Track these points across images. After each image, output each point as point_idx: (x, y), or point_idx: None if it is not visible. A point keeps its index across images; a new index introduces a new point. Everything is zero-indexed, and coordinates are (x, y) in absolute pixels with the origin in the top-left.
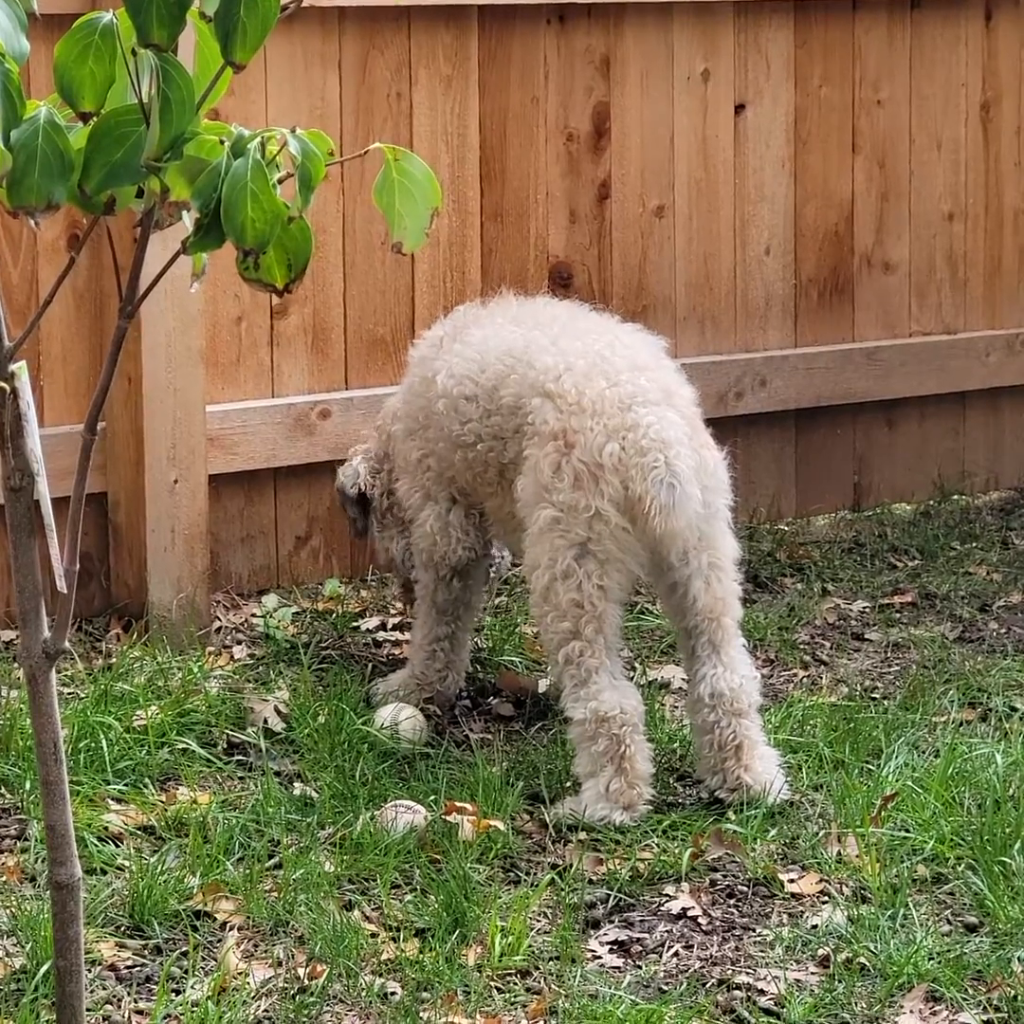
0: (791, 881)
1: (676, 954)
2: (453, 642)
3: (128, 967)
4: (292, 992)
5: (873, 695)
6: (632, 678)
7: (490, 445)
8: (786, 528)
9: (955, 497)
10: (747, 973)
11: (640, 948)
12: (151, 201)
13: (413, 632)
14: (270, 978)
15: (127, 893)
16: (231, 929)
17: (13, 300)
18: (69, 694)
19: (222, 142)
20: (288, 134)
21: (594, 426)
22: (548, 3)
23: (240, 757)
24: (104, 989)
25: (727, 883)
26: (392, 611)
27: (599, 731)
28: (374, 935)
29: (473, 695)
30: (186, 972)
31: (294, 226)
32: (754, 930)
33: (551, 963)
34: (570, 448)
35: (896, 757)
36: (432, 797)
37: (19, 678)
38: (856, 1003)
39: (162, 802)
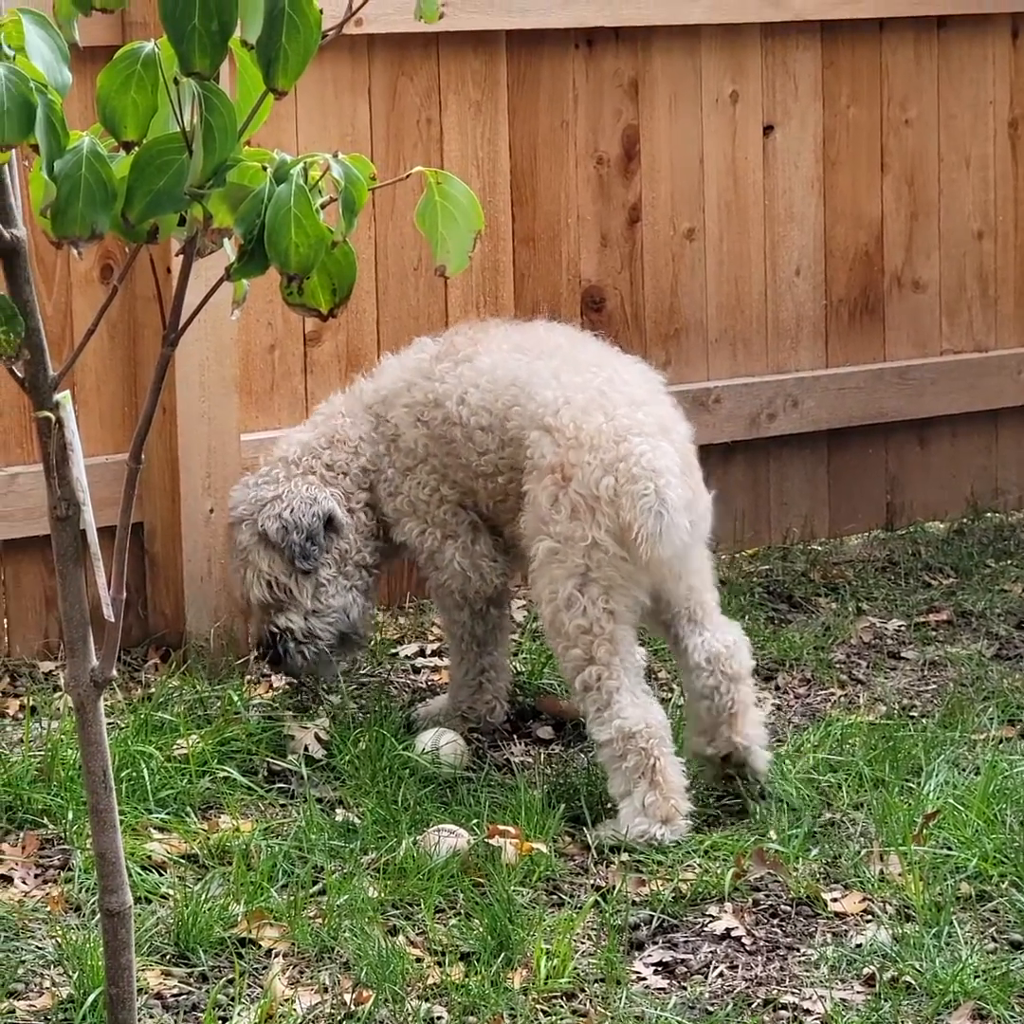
0: (834, 900)
1: (721, 974)
2: (497, 669)
3: (175, 995)
4: (339, 1018)
5: (911, 713)
6: (670, 700)
7: (510, 476)
8: (820, 548)
9: (988, 514)
10: (793, 993)
11: (685, 969)
12: (193, 229)
13: (452, 669)
14: (316, 1004)
15: (172, 921)
16: (276, 956)
17: (48, 332)
18: (109, 724)
19: (265, 168)
20: (331, 159)
21: (591, 460)
22: (576, 27)
23: (281, 785)
24: (151, 1018)
25: (770, 903)
26: (430, 637)
27: (627, 748)
28: (419, 960)
29: (513, 718)
30: (233, 999)
31: (338, 251)
32: (799, 950)
33: (596, 985)
34: (567, 481)
35: (936, 775)
36: (474, 821)
37: (59, 709)
38: (903, 1022)
39: (205, 830)
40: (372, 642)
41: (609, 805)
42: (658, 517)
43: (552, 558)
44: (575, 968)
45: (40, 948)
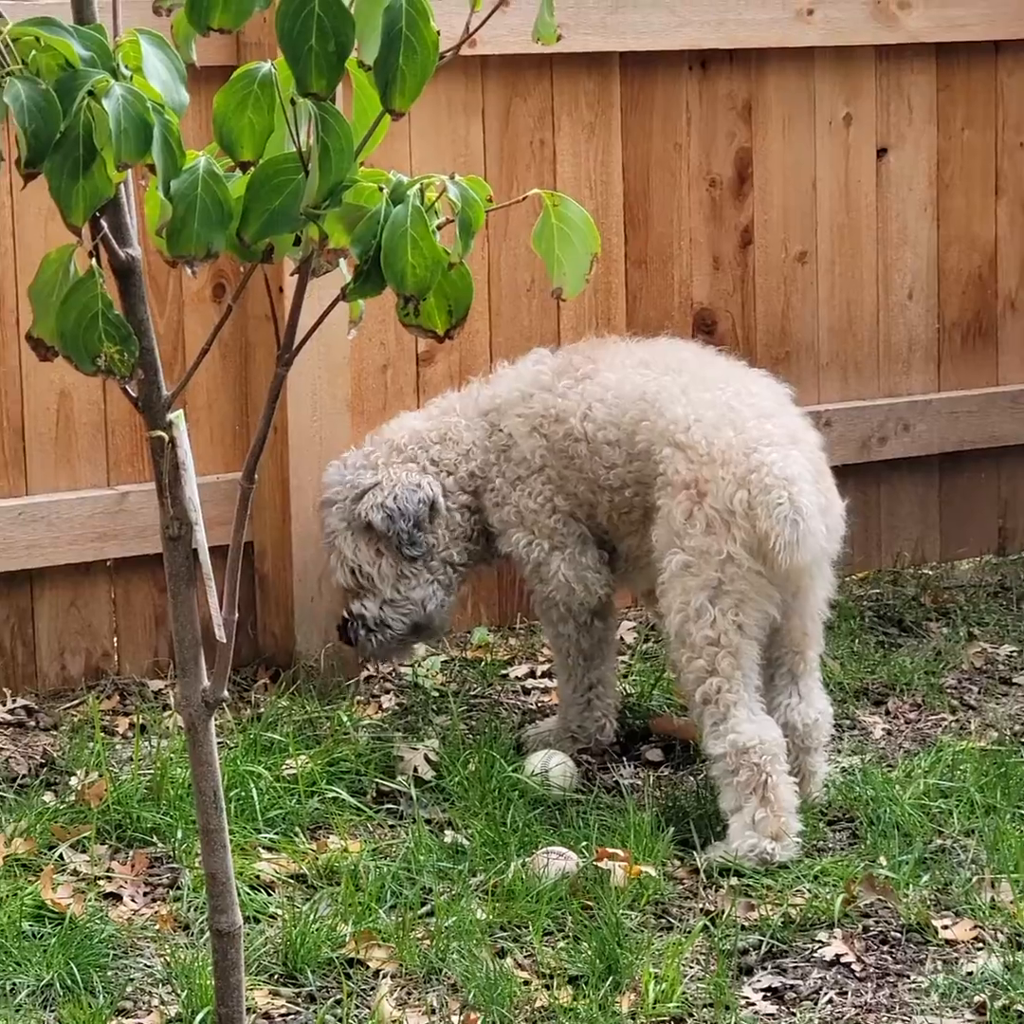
0: (945, 927)
1: (830, 1001)
2: (604, 685)
3: (283, 1015)
4: None
5: (1023, 739)
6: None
7: (636, 489)
8: (930, 572)
9: None
10: (902, 1020)
11: (794, 995)
12: (309, 249)
13: (560, 687)
14: None
15: (280, 941)
16: (384, 977)
17: (160, 351)
18: (219, 744)
19: (381, 189)
20: (447, 180)
21: (724, 475)
22: (690, 49)
23: (390, 805)
24: None
25: (880, 929)
26: (540, 658)
27: (740, 763)
28: (527, 982)
29: (622, 740)
30: (340, 1020)
31: (454, 272)
32: (908, 977)
33: (705, 1010)
34: (702, 497)
35: None
36: (583, 843)
37: (168, 728)
38: None
39: (313, 850)
40: (450, 632)
41: (719, 828)
42: (794, 525)
43: (685, 571)
44: (684, 993)
45: (149, 966)
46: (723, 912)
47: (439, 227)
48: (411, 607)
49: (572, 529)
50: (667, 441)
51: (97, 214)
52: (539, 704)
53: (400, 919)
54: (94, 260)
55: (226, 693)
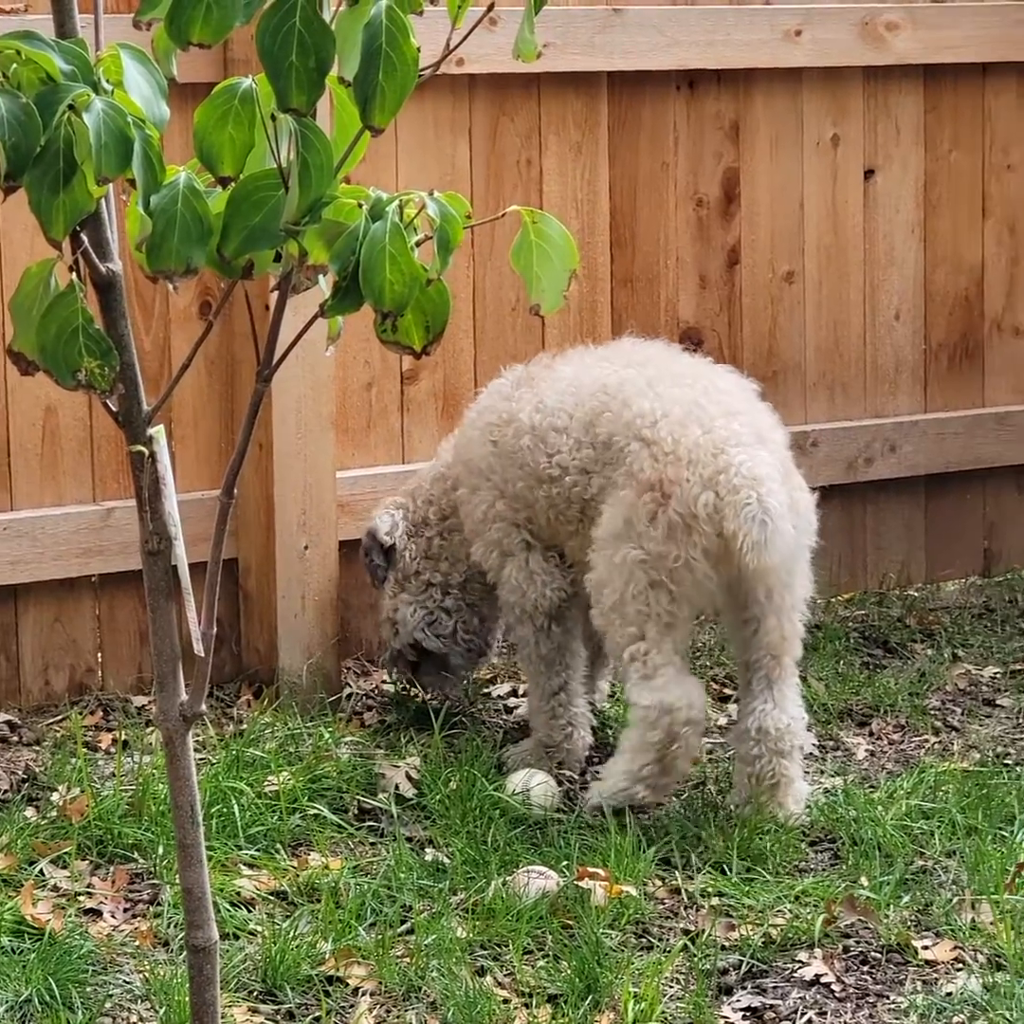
0: (925, 948)
1: (809, 1021)
2: (568, 693)
3: None
4: None
5: (1005, 761)
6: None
7: (576, 479)
8: (916, 594)
9: None
10: None
11: (773, 1015)
12: (289, 265)
13: (528, 698)
14: None
15: (260, 958)
16: (363, 994)
17: (146, 367)
18: (201, 759)
19: (360, 205)
20: (426, 197)
21: (690, 476)
22: (678, 69)
23: (371, 823)
24: None
25: (860, 950)
26: (523, 677)
27: (660, 721)
28: (506, 1001)
29: (603, 760)
30: None
31: (432, 288)
32: (888, 997)
33: None
34: (667, 499)
35: None
36: (564, 863)
37: (151, 744)
38: None
39: (294, 867)
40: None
41: (701, 849)
42: (763, 525)
43: (638, 565)
44: (663, 1012)
45: (127, 982)
46: (703, 932)
47: (418, 243)
48: (398, 626)
49: (515, 537)
50: (633, 435)
51: (78, 228)
52: (520, 723)
53: (380, 937)
54: (74, 274)
55: (204, 707)
